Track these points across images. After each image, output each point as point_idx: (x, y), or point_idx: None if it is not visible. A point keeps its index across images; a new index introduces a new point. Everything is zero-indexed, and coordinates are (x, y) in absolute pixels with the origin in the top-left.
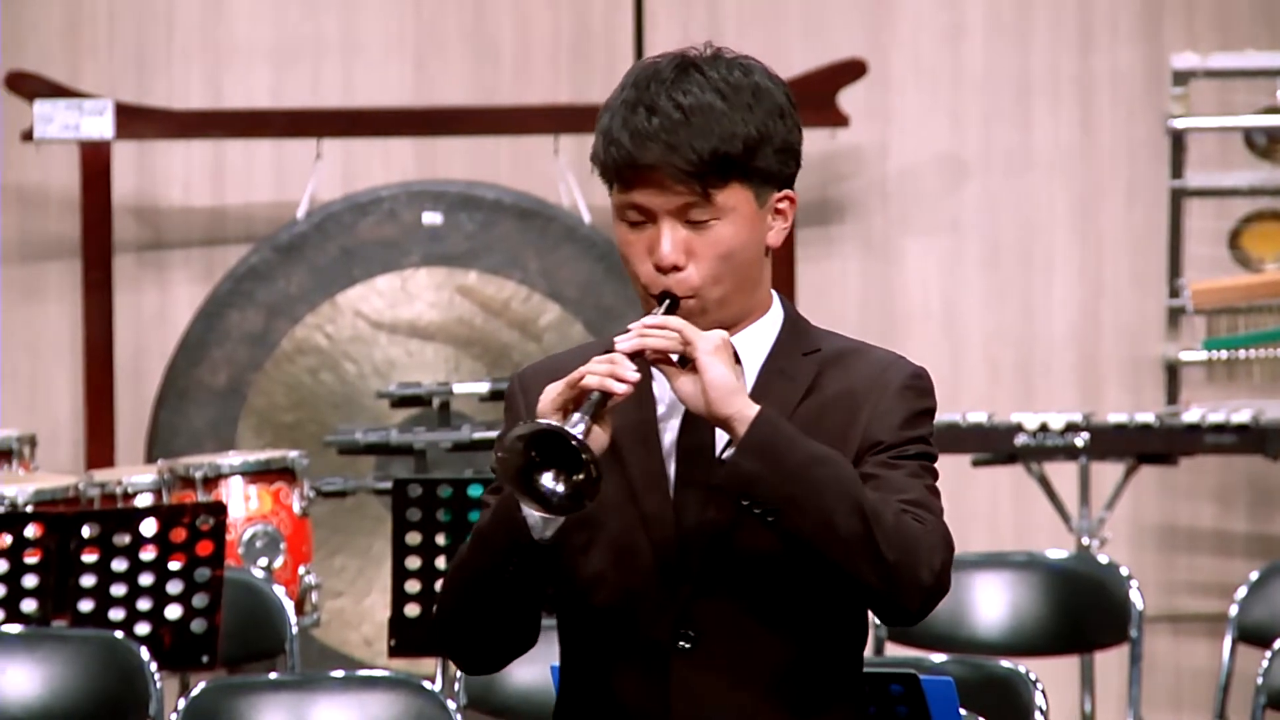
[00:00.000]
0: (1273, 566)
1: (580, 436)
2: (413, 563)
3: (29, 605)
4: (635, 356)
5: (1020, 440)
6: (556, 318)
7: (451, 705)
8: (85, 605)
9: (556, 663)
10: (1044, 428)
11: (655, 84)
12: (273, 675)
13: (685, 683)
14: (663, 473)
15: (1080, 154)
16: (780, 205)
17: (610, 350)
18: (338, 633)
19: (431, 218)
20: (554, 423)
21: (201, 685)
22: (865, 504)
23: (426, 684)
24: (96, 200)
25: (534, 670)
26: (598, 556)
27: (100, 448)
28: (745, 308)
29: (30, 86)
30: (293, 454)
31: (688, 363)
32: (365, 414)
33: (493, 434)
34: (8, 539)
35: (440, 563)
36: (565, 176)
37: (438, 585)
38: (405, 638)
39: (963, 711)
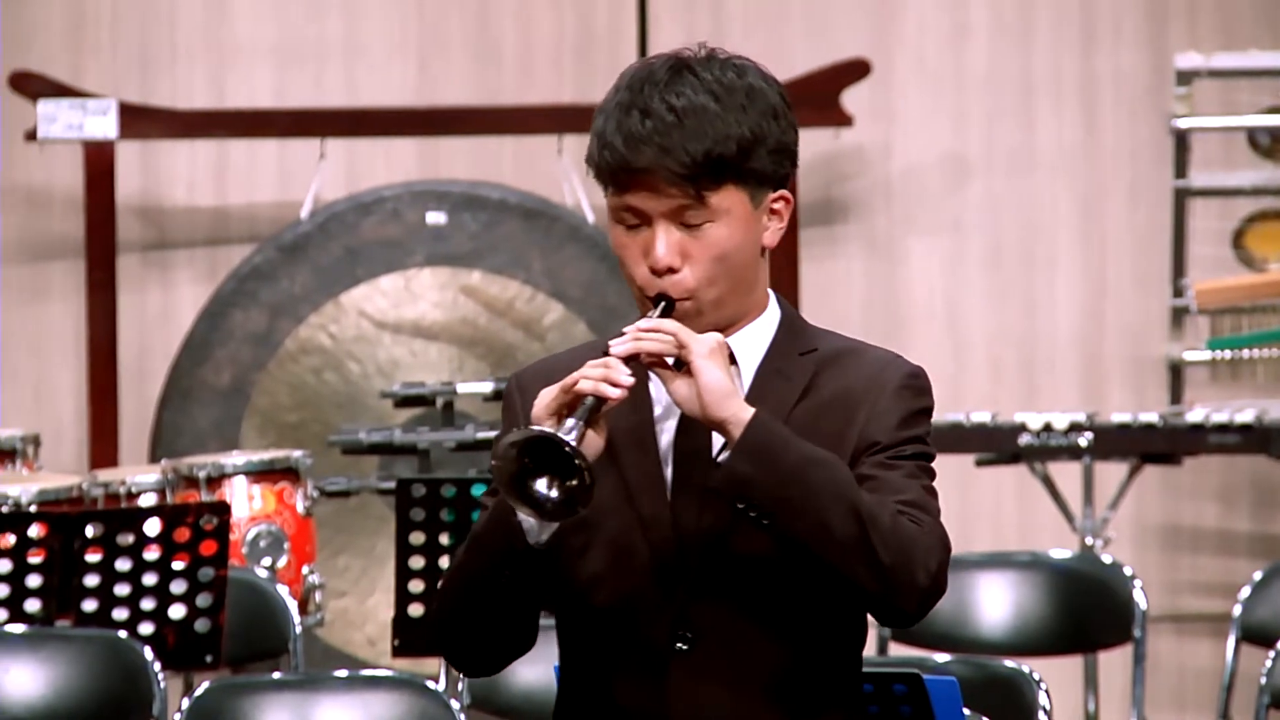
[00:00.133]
0: (1276, 566)
1: (574, 443)
2: (416, 562)
3: (33, 605)
4: (630, 360)
5: (1024, 440)
6: (560, 317)
7: (455, 705)
8: (89, 605)
9: (559, 663)
10: (1048, 427)
11: (649, 86)
12: (276, 675)
13: (683, 684)
14: (659, 475)
15: (1084, 154)
16: (775, 206)
17: (605, 354)
18: (341, 632)
19: (435, 217)
20: (547, 429)
21: (205, 685)
22: (861, 506)
23: (430, 684)
24: (100, 200)
25: (537, 670)
26: (595, 558)
27: (104, 447)
28: (742, 308)
29: (34, 86)
30: (296, 454)
31: (683, 366)
32: (369, 414)
33: (496, 434)
34: (11, 539)
35: (444, 562)
36: (569, 176)
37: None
38: (409, 637)
39: (966, 711)
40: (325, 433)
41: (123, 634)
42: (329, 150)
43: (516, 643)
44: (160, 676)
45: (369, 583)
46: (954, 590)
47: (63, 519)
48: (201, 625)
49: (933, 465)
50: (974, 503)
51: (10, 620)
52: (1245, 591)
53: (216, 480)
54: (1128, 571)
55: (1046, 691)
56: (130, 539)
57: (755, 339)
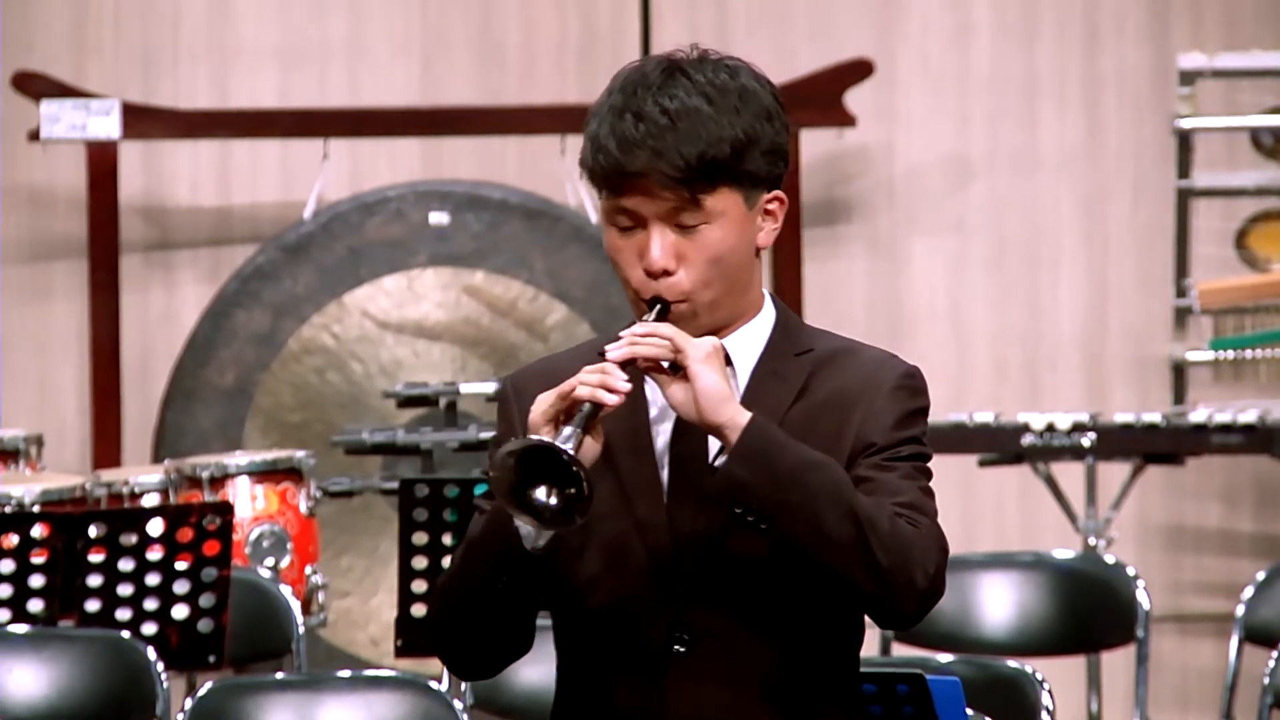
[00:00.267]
0: (1279, 566)
1: (572, 451)
2: (419, 562)
3: (36, 605)
4: (626, 365)
5: (1027, 440)
6: (563, 317)
7: (458, 705)
8: (92, 605)
9: (556, 664)
10: (1050, 428)
11: (641, 89)
12: (279, 675)
13: (680, 686)
14: (656, 478)
15: (1087, 154)
16: (770, 206)
17: (601, 357)
18: (344, 633)
19: (438, 218)
20: (545, 438)
21: (208, 685)
22: (858, 509)
23: (433, 684)
24: (103, 200)
25: (540, 671)
26: (592, 561)
27: (107, 448)
28: (737, 310)
29: (37, 86)
30: (299, 454)
31: (679, 369)
32: (372, 414)
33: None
34: (14, 539)
35: (447, 563)
36: (572, 176)
37: None
38: (412, 638)
39: (969, 711)
40: (328, 433)
41: (126, 634)
42: (332, 150)
43: (513, 647)
44: (163, 676)
45: (372, 583)
46: (957, 590)
47: (66, 519)
48: (204, 625)
49: (929, 465)
50: (977, 503)
51: (13, 620)
52: (1248, 592)
53: (219, 480)
54: (1131, 571)
55: (1049, 692)
56: (133, 539)
57: (750, 340)
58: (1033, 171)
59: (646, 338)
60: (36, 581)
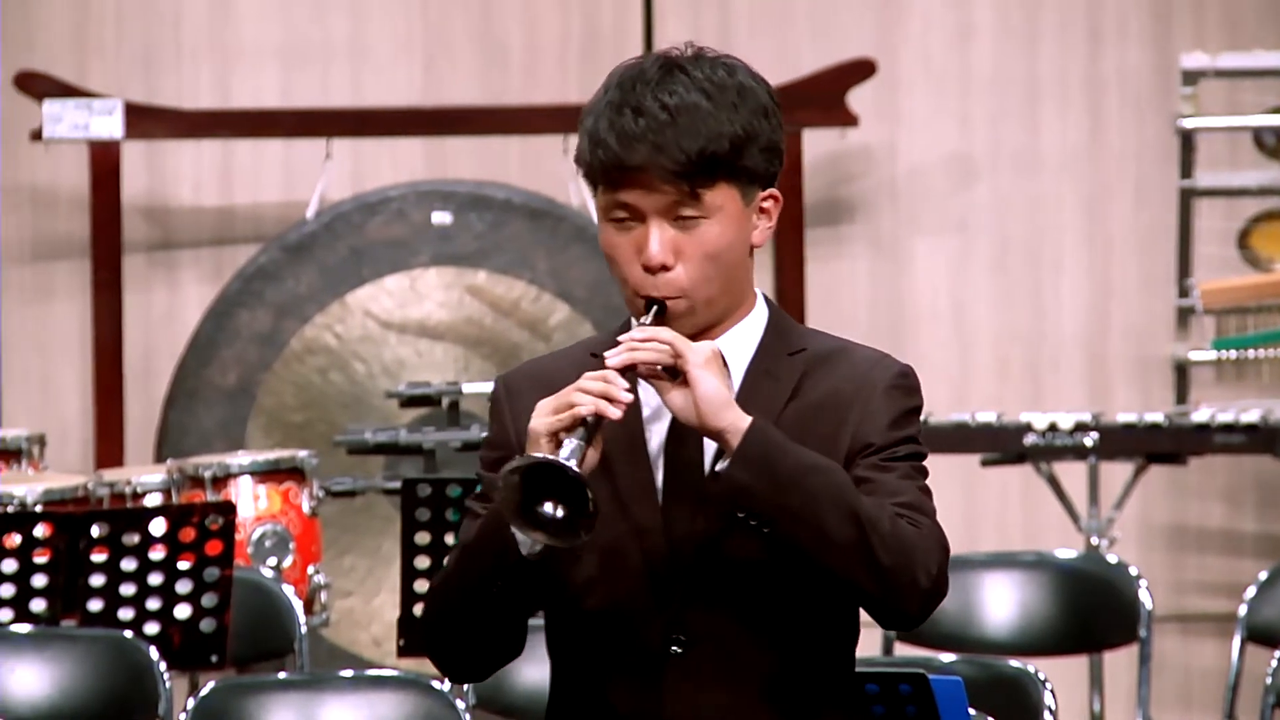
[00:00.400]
0: None
1: (577, 467)
2: (422, 562)
3: (38, 605)
4: (625, 371)
5: (1029, 440)
6: (566, 317)
7: (460, 705)
8: (94, 605)
9: (550, 666)
10: (1053, 427)
11: (640, 85)
12: (282, 675)
13: (678, 688)
14: (650, 481)
15: (1089, 154)
16: (765, 204)
17: (597, 361)
18: (347, 632)
19: (441, 217)
20: (550, 456)
21: (210, 685)
22: (860, 511)
23: (435, 684)
24: (106, 200)
25: (541, 671)
26: (588, 564)
27: (109, 447)
28: (731, 307)
29: (39, 86)
30: (302, 454)
31: (678, 375)
32: (374, 414)
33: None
34: (17, 538)
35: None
36: (575, 176)
37: None
38: (414, 637)
39: (972, 711)
40: (331, 433)
41: (128, 634)
42: (335, 150)
43: (505, 649)
44: (165, 676)
45: (374, 583)
46: (959, 590)
47: (68, 519)
48: (207, 625)
49: (925, 465)
50: (979, 503)
51: (16, 620)
52: (1251, 591)
53: (222, 480)
54: (1133, 571)
55: (1052, 691)
56: (136, 539)
57: (744, 339)
58: (1035, 171)
59: (646, 343)
60: (39, 581)
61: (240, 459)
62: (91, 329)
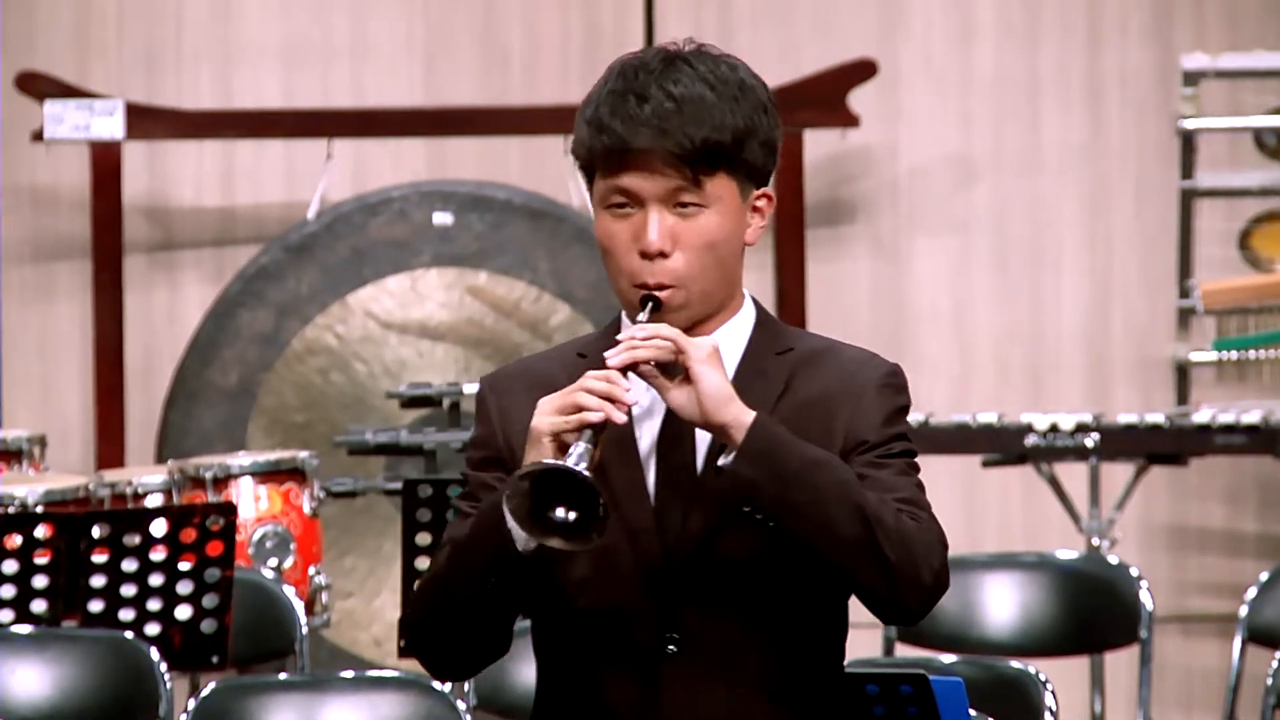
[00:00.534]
0: None
1: (586, 471)
2: (422, 563)
3: (39, 605)
4: (625, 370)
5: (1030, 441)
6: (567, 318)
7: (461, 706)
8: (95, 605)
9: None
10: (1054, 428)
11: (643, 74)
12: (282, 676)
13: (673, 687)
14: (641, 481)
15: (1090, 154)
16: (758, 203)
17: (586, 362)
18: (348, 633)
19: (442, 218)
20: (560, 462)
21: (211, 685)
22: (865, 506)
23: (436, 685)
24: (107, 200)
25: None
26: (581, 564)
27: (110, 448)
28: (723, 303)
29: (40, 87)
30: (303, 454)
31: (677, 372)
32: (375, 414)
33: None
34: (18, 539)
35: None
36: (575, 176)
37: None
38: None
39: (972, 712)
40: (332, 433)
41: (129, 635)
42: (336, 151)
43: (493, 648)
44: (166, 677)
45: (375, 583)
46: (960, 591)
47: (69, 519)
48: (208, 626)
49: (917, 462)
50: (980, 503)
51: (17, 621)
52: (1252, 592)
53: (223, 481)
54: (1134, 572)
55: (1053, 692)
56: (136, 539)
57: (733, 337)
58: (1036, 172)
59: (649, 340)
60: (40, 582)
61: (241, 460)
62: (92, 329)
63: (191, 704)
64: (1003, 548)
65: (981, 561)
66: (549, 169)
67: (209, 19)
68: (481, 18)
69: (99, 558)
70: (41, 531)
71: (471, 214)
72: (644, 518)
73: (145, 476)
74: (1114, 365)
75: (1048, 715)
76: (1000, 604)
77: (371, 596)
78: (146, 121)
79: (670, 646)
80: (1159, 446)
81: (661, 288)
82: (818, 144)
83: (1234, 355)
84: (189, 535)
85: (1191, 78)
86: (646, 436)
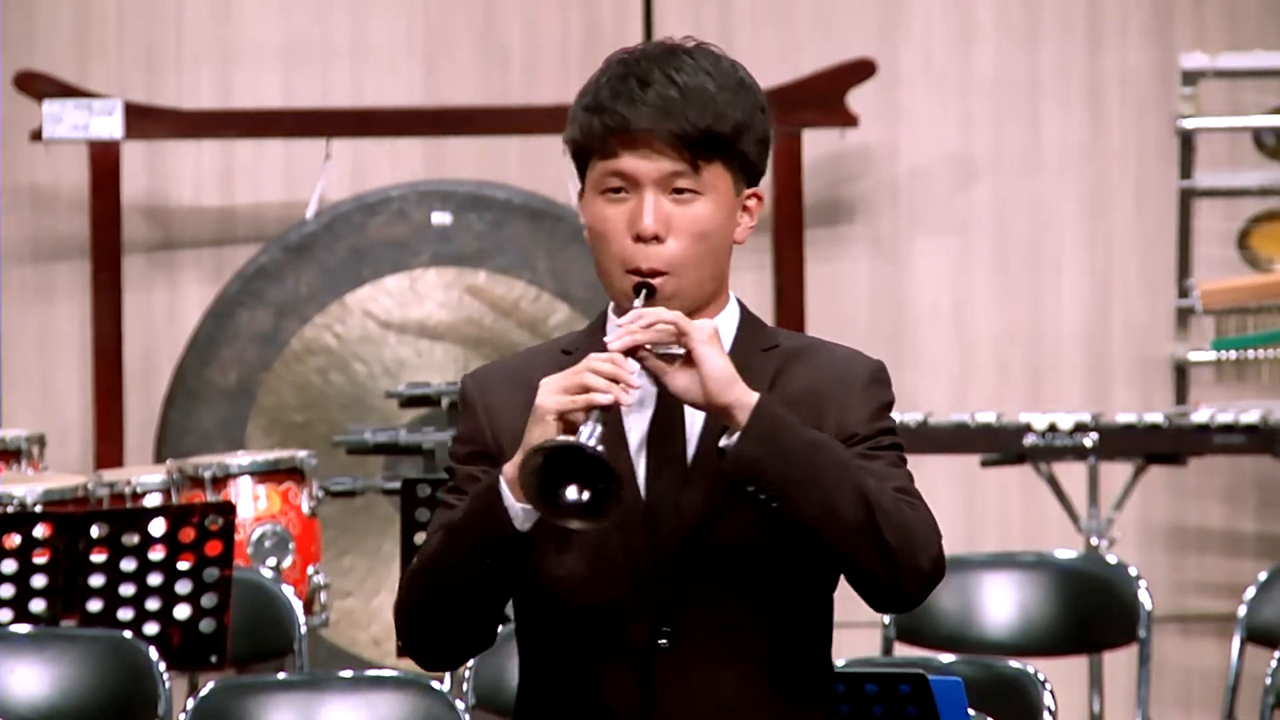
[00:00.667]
0: None
1: (603, 453)
2: None
3: (38, 605)
4: (628, 354)
5: (1029, 440)
6: (566, 317)
7: (460, 705)
8: (94, 605)
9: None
10: (1053, 428)
11: (645, 61)
12: (281, 675)
13: (666, 680)
14: (632, 474)
15: (1089, 154)
16: (749, 203)
17: (571, 359)
18: (346, 632)
19: (441, 218)
20: (574, 439)
21: (210, 685)
22: (867, 490)
23: (435, 684)
24: (106, 200)
25: None
26: (569, 558)
27: (109, 447)
28: (711, 297)
29: (39, 86)
30: (301, 454)
31: (674, 358)
32: (374, 414)
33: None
34: (16, 539)
35: None
36: (574, 176)
37: None
38: None
39: (971, 712)
40: (331, 433)
41: (128, 634)
42: (335, 150)
43: (483, 635)
44: (165, 676)
45: (374, 583)
46: (959, 590)
47: (68, 519)
48: (206, 625)
49: (905, 456)
50: (979, 503)
51: (15, 620)
52: (1250, 592)
53: (222, 480)
54: (1133, 572)
55: (1051, 692)
56: (135, 539)
57: (720, 333)
58: (1035, 172)
59: (652, 325)
60: (39, 581)
61: (240, 459)
62: (91, 329)
63: (190, 703)
64: (1002, 547)
65: (980, 561)
66: (548, 169)
67: (209, 19)
68: (481, 18)
69: (98, 557)
70: (40, 531)
71: (470, 214)
72: (635, 511)
73: (144, 476)
74: (1113, 365)
75: (1046, 715)
76: (999, 604)
77: (370, 596)
78: (145, 121)
79: (663, 640)
80: (1158, 446)
81: (655, 274)
82: (817, 144)
83: (1233, 355)
84: (188, 535)
85: (1191, 77)
86: (636, 430)
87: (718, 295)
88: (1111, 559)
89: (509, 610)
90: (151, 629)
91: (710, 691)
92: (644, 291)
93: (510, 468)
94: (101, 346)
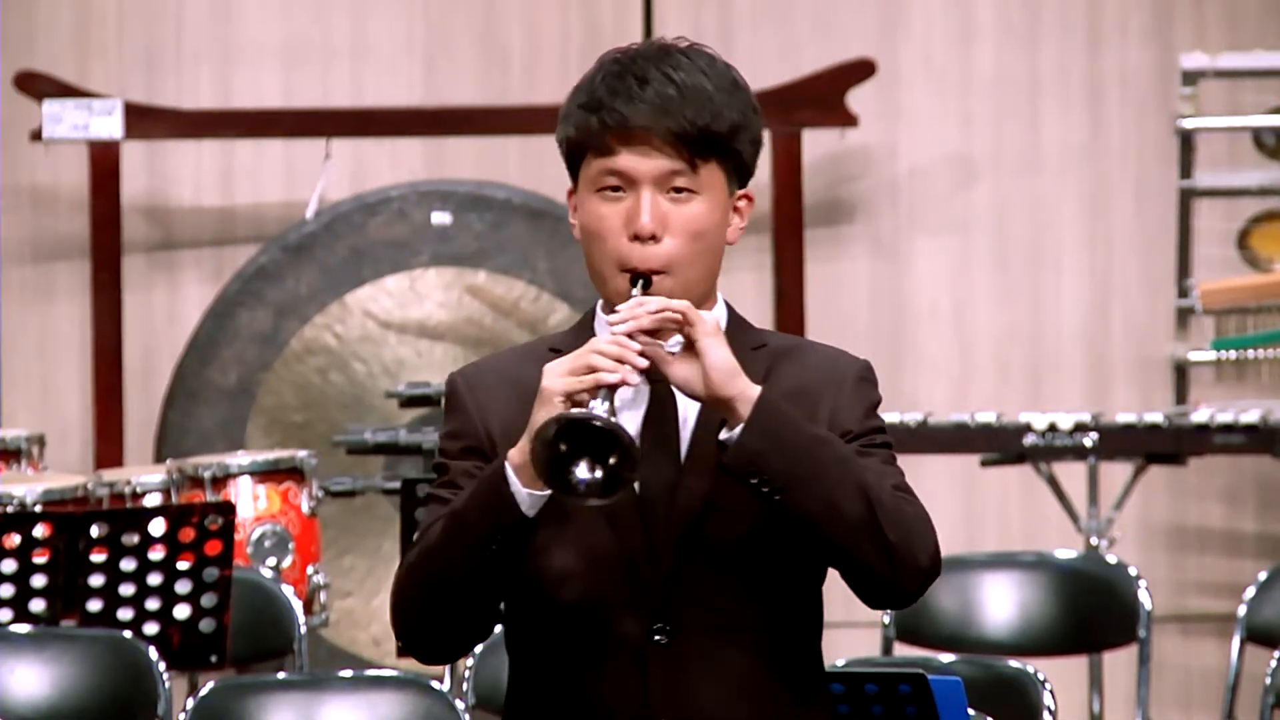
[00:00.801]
0: None
1: (617, 424)
2: None
3: (38, 605)
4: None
5: (1029, 440)
6: (566, 317)
7: (460, 705)
8: (94, 605)
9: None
10: (1053, 428)
11: (641, 60)
12: (281, 675)
13: (663, 676)
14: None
15: (1089, 154)
16: (739, 203)
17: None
18: (346, 632)
19: (440, 217)
20: (586, 412)
21: (210, 685)
22: (867, 485)
23: (435, 684)
24: (106, 200)
25: None
26: (563, 555)
27: (109, 447)
28: (703, 296)
29: (39, 86)
30: (301, 454)
31: (673, 350)
32: (374, 414)
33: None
34: (16, 538)
35: None
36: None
37: None
38: None
39: (971, 711)
40: (330, 433)
41: (128, 634)
42: (335, 150)
43: (482, 627)
44: (165, 676)
45: (374, 583)
46: (959, 590)
47: (68, 519)
48: (206, 625)
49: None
50: (979, 503)
51: (15, 620)
52: (1250, 592)
53: (221, 480)
54: (1133, 572)
55: (1051, 692)
56: (135, 539)
57: None
58: (1035, 172)
59: (659, 312)
60: (38, 581)
61: (240, 459)
62: (91, 329)
63: (190, 703)
64: (1001, 547)
65: (980, 561)
66: (548, 169)
67: (209, 19)
68: (481, 18)
69: (98, 557)
70: (40, 531)
71: (470, 214)
72: (629, 507)
73: (144, 476)
74: (1113, 365)
75: (1046, 715)
76: (999, 603)
77: (370, 596)
78: (145, 121)
79: (658, 636)
80: (1158, 446)
81: (651, 273)
82: (817, 144)
83: (1233, 355)
84: (188, 534)
85: (1190, 77)
86: (630, 423)
87: (707, 297)
88: (1111, 559)
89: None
90: (151, 629)
91: (706, 687)
92: (641, 281)
93: (516, 453)
94: (101, 346)
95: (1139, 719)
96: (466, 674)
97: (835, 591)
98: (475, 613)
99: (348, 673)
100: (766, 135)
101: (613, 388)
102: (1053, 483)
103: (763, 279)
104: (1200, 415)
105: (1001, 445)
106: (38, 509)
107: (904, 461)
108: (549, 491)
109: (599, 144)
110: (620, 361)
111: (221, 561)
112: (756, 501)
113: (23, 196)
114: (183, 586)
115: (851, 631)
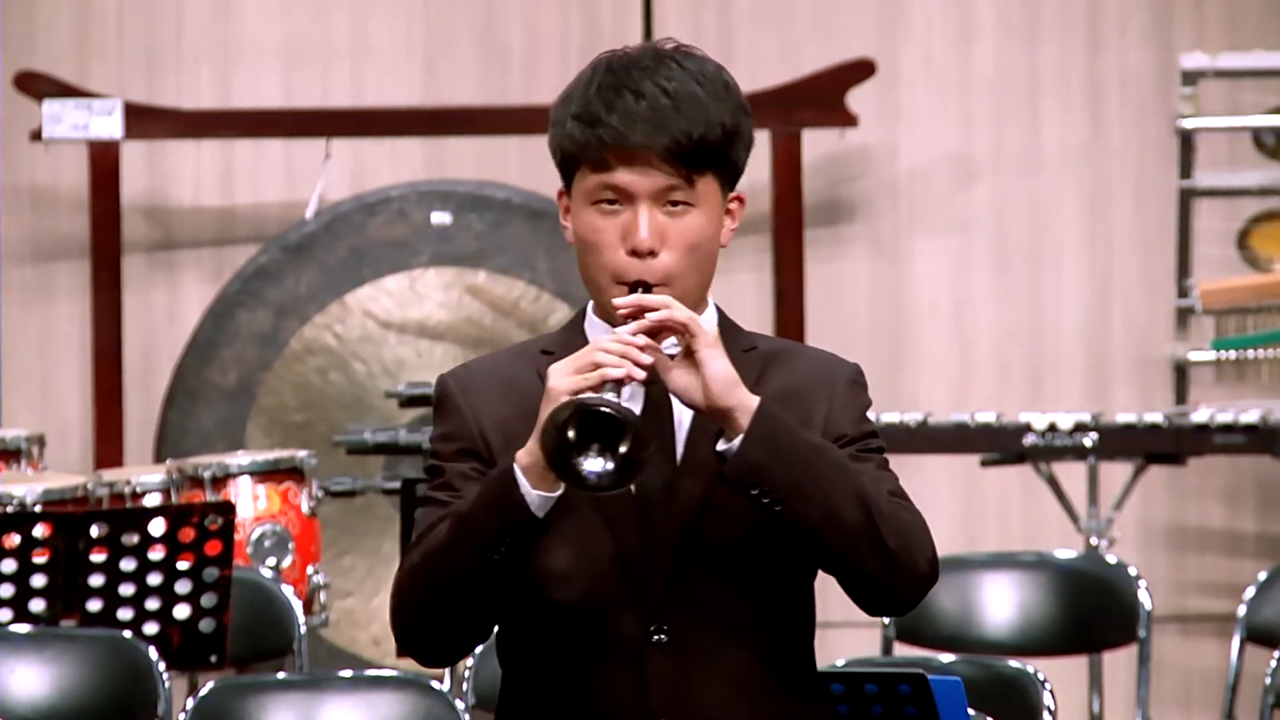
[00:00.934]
0: None
1: (629, 411)
2: None
3: (37, 605)
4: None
5: (1029, 440)
6: (565, 317)
7: (460, 705)
8: (94, 605)
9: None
10: (1053, 428)
11: (635, 70)
12: (281, 675)
13: (662, 676)
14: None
15: (1089, 154)
16: (731, 206)
17: (550, 358)
18: (346, 632)
19: (440, 217)
20: (599, 396)
21: (210, 685)
22: (866, 493)
23: (435, 684)
24: (105, 200)
25: None
26: (561, 556)
27: (109, 448)
28: (697, 304)
29: (39, 86)
30: (301, 454)
31: (673, 357)
32: (374, 414)
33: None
34: (16, 538)
35: None
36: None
37: None
38: None
39: (971, 711)
40: (330, 433)
41: (127, 634)
42: (335, 150)
43: (482, 630)
44: (165, 676)
45: (374, 583)
46: (959, 590)
47: (68, 519)
48: (206, 625)
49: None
50: (979, 503)
51: (15, 620)
52: (1250, 592)
53: (221, 480)
54: (1133, 572)
55: (1051, 692)
56: (135, 539)
57: None
58: (1035, 172)
59: (664, 321)
60: (38, 581)
61: (240, 459)
62: (91, 329)
63: (190, 703)
64: (1001, 547)
65: (980, 561)
66: (548, 169)
67: (209, 19)
68: (481, 18)
69: (97, 557)
70: (40, 531)
71: (470, 214)
72: (624, 505)
73: (144, 476)
74: (1113, 365)
75: (1046, 715)
76: (999, 603)
77: (370, 596)
78: (145, 121)
79: (658, 636)
80: (1158, 446)
81: (650, 285)
82: (816, 144)
83: (1233, 355)
84: (187, 534)
85: (1190, 77)
86: None
87: (701, 302)
88: (1111, 559)
89: None
90: (151, 629)
91: (706, 688)
92: (641, 288)
93: (524, 454)
94: (101, 346)
95: (1139, 719)
96: (466, 674)
97: (835, 592)
98: (478, 615)
99: (348, 673)
100: (766, 135)
101: (618, 383)
102: (1053, 483)
103: (763, 279)
104: (1200, 415)
105: (1001, 445)
106: (38, 509)
107: (904, 462)
108: (558, 493)
109: (595, 159)
110: (624, 358)
111: (221, 561)
112: (752, 502)
113: (23, 196)
114: (183, 586)
115: (851, 631)
